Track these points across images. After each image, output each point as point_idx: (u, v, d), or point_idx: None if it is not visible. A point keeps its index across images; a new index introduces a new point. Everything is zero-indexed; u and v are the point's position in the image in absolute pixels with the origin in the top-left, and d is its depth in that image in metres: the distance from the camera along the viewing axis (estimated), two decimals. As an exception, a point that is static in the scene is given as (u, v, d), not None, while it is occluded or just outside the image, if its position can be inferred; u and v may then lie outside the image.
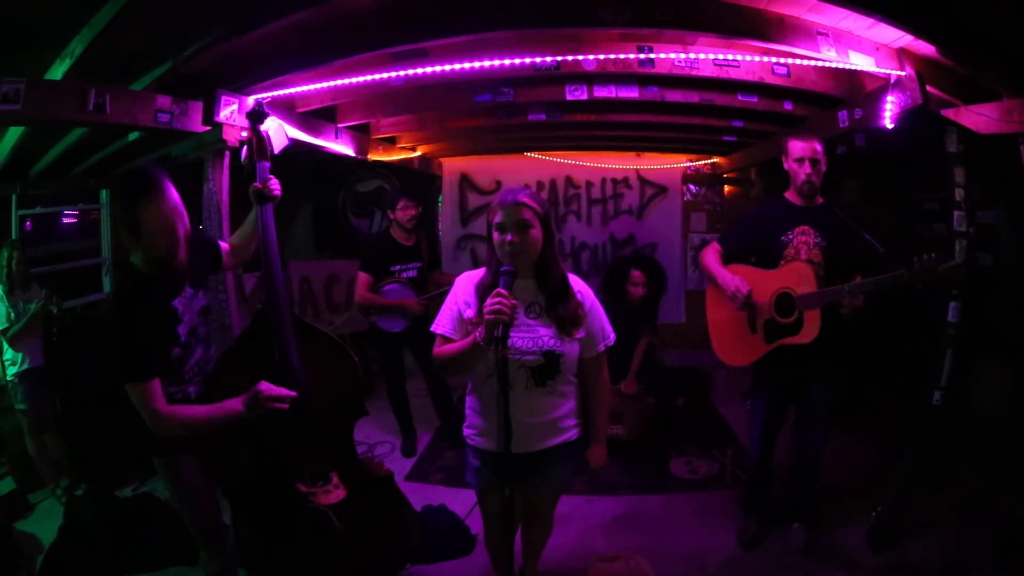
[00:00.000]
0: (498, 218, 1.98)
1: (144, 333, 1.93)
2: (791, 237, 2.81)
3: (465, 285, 2.12)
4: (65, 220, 5.29)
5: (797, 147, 2.80)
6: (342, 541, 2.22)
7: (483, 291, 2.02)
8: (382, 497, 2.49)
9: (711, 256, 2.99)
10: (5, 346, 3.75)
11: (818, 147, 2.78)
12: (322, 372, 2.23)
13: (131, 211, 1.90)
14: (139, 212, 1.90)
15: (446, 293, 2.17)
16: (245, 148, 2.36)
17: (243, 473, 2.25)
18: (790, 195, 2.90)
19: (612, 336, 2.19)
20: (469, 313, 2.04)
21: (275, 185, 2.30)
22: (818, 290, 2.64)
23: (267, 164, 2.35)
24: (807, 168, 2.77)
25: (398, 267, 4.19)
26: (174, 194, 1.97)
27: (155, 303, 2.01)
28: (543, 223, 2.02)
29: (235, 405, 1.99)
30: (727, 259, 2.96)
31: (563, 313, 2.02)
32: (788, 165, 2.86)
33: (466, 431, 2.26)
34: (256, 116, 2.37)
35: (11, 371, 3.74)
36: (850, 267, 2.64)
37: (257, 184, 2.28)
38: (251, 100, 3.18)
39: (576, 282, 2.13)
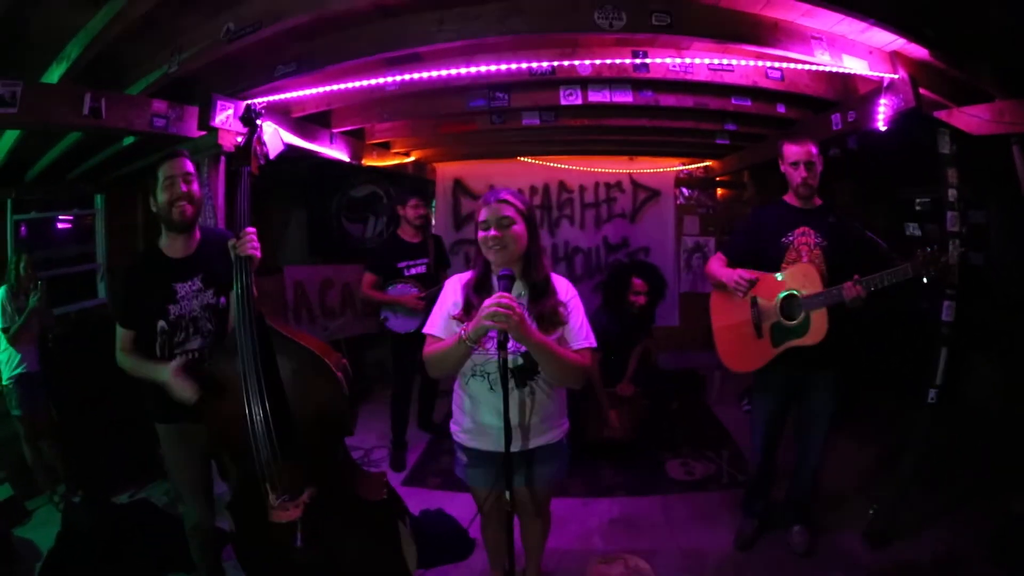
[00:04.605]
0: (482, 216, 2.05)
1: (128, 287, 2.33)
2: (791, 239, 2.82)
3: (454, 286, 2.16)
4: (60, 225, 5.27)
5: (791, 151, 2.82)
6: (309, 560, 2.16)
7: (469, 289, 2.08)
8: (368, 520, 2.34)
9: (715, 264, 3.03)
10: (1, 348, 3.75)
11: (812, 149, 2.79)
12: (299, 389, 2.14)
13: (156, 166, 2.30)
14: (161, 165, 2.29)
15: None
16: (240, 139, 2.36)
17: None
18: (788, 198, 2.92)
19: (591, 339, 2.09)
20: (456, 311, 2.07)
21: (254, 241, 2.14)
22: (823, 290, 2.64)
23: (247, 168, 2.26)
24: (802, 171, 2.79)
25: (405, 263, 4.19)
26: (189, 163, 2.33)
27: (151, 271, 2.33)
28: (526, 221, 2.05)
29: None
30: (732, 265, 2.96)
31: (542, 310, 2.02)
32: (784, 168, 2.87)
33: (452, 427, 2.28)
34: (248, 120, 2.35)
35: (7, 374, 3.72)
36: (852, 265, 2.62)
37: (232, 239, 2.15)
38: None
39: (560, 282, 2.13)
